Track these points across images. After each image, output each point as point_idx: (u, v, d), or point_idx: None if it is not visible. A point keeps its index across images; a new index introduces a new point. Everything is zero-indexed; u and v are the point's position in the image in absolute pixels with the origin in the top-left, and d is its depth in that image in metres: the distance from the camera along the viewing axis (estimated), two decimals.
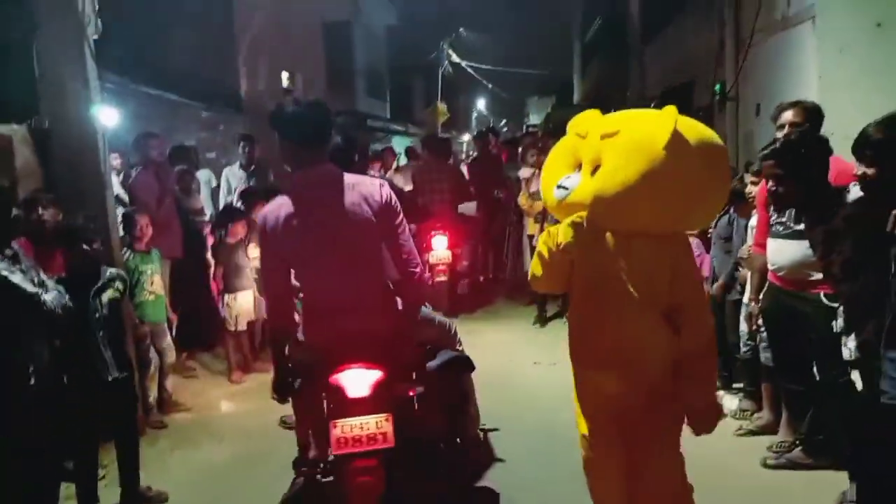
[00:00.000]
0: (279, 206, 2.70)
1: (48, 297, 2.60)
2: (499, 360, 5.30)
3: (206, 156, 8.59)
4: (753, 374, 4.00)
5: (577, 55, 19.87)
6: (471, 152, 23.35)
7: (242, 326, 5.36)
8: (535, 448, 3.80)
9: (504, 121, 34.42)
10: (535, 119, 37.18)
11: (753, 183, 3.81)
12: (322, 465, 2.86)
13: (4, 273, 2.47)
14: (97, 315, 3.31)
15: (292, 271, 2.81)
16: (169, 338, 4.68)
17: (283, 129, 2.69)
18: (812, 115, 3.37)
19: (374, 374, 2.64)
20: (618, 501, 2.57)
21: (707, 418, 2.44)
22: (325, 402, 2.76)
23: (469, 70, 25.77)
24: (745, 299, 3.75)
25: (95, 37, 4.11)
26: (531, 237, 6.63)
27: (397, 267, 2.81)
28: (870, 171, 2.39)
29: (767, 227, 3.35)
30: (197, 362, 5.58)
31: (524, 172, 6.86)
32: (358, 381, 2.63)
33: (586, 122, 2.43)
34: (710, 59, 7.67)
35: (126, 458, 3.44)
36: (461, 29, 25.12)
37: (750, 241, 3.67)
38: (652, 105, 11.26)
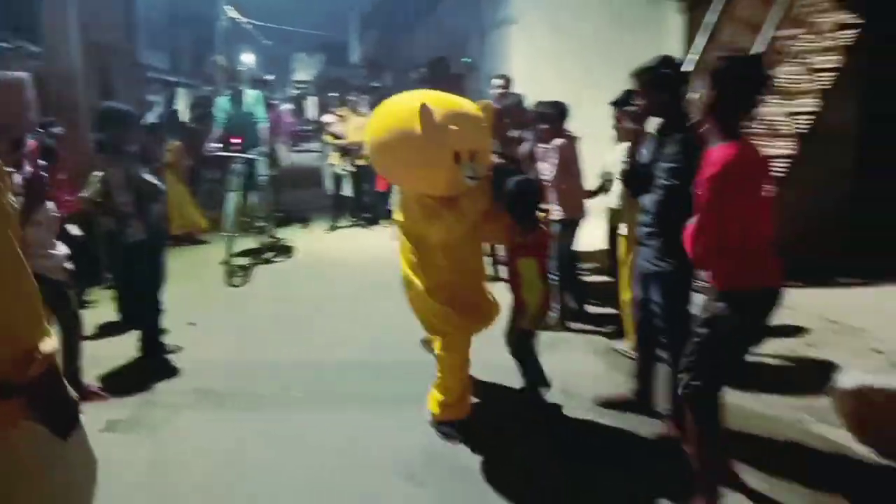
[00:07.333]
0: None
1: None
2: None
3: None
4: None
5: (354, 21, 22.11)
6: None
7: None
8: None
9: (272, 76, 35.05)
10: (301, 75, 37.71)
11: None
12: None
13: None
14: None
15: None
16: None
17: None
18: (508, 82, 6.24)
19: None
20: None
21: None
22: None
23: (247, 27, 26.58)
24: None
25: None
26: (331, 165, 8.81)
27: None
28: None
29: None
30: None
31: (327, 118, 9.10)
32: None
33: None
34: (461, 41, 10.66)
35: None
36: None
37: None
38: (421, 70, 14.08)
